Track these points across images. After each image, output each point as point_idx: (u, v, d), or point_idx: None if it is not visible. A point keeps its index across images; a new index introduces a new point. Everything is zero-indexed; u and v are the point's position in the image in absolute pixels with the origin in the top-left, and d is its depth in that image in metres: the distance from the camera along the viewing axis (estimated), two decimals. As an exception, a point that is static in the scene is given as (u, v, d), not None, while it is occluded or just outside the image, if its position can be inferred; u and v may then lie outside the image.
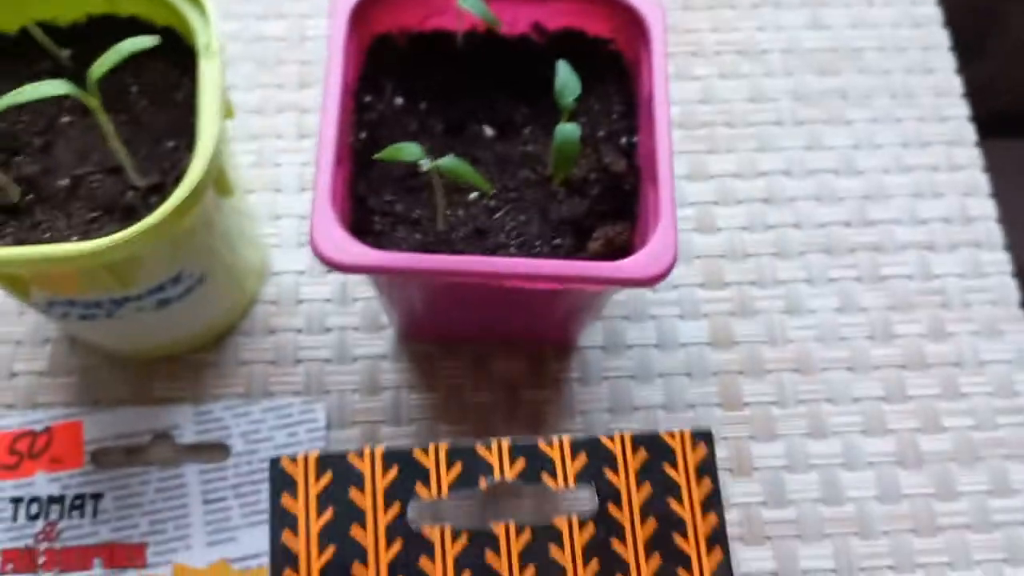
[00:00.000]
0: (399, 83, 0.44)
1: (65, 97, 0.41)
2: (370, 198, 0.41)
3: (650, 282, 0.37)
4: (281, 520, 0.36)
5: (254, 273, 0.49)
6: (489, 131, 0.44)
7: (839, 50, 0.59)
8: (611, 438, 0.38)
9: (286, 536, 0.35)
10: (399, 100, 0.44)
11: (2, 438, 0.46)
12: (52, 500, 0.45)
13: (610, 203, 0.42)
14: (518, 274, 0.37)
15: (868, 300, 0.52)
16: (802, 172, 0.56)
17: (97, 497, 0.45)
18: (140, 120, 0.41)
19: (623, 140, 0.43)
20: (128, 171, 0.38)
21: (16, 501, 0.45)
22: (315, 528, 0.36)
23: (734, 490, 0.47)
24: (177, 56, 0.41)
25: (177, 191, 0.35)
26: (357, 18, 0.41)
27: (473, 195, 0.42)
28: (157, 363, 0.49)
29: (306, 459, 0.36)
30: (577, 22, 0.44)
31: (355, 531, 0.35)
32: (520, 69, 0.44)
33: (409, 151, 0.36)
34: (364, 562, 0.35)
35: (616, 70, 0.44)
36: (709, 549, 0.36)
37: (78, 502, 0.45)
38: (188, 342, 0.48)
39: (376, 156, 0.37)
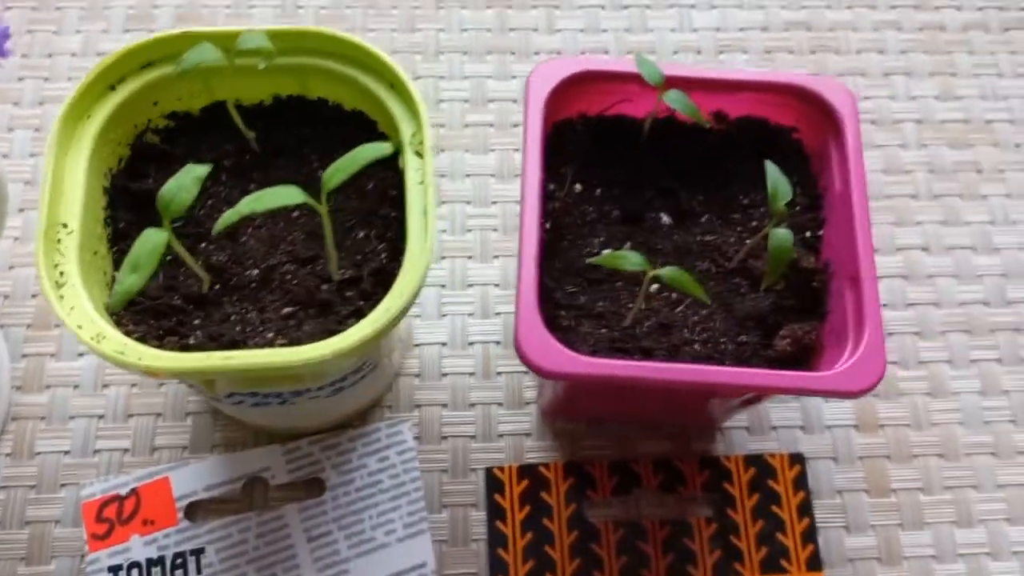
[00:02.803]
0: (578, 170, 0.43)
1: (251, 182, 0.40)
2: (556, 291, 0.40)
3: (861, 394, 0.36)
4: (494, 513, 0.46)
5: (401, 345, 0.48)
6: (666, 219, 0.43)
7: (971, 122, 0.59)
8: (728, 458, 0.48)
9: (498, 524, 0.46)
10: (577, 187, 0.43)
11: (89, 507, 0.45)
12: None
13: (796, 298, 0.41)
14: (730, 384, 0.36)
15: (1009, 383, 0.52)
16: (940, 248, 0.55)
17: (199, 552, 0.44)
18: (329, 208, 0.39)
19: (807, 234, 0.42)
20: (330, 265, 0.37)
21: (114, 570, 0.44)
22: (518, 519, 0.46)
23: (884, 581, 0.47)
24: (366, 142, 0.39)
25: (397, 300, 0.34)
26: (547, 107, 0.40)
27: (655, 287, 0.41)
28: (302, 438, 0.48)
29: (510, 469, 0.47)
30: (760, 111, 0.43)
31: (545, 522, 0.46)
32: (697, 156, 0.44)
33: (632, 261, 0.35)
34: (552, 545, 0.46)
35: (797, 159, 0.43)
36: (804, 544, 0.47)
37: (179, 560, 0.44)
38: (339, 419, 0.47)
39: (593, 261, 0.36)
